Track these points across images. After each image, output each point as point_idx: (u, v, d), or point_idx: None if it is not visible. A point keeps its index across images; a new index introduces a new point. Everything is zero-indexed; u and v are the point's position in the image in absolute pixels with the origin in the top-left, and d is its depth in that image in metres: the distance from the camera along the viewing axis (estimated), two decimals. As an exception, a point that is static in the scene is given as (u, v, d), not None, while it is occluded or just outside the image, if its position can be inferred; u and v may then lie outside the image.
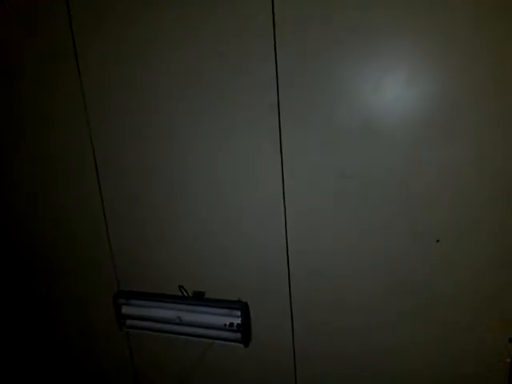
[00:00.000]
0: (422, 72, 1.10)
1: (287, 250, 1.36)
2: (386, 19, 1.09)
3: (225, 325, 1.44)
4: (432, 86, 1.10)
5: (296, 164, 1.28)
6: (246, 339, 1.46)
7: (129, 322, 1.61)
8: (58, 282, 1.77)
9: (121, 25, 1.34)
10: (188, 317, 1.49)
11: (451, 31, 1.05)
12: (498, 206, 1.13)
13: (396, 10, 1.08)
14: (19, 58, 1.51)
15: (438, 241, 1.21)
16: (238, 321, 1.43)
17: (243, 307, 1.45)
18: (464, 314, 1.24)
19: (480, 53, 1.04)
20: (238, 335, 1.45)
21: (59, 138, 1.54)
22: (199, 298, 1.52)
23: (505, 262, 1.17)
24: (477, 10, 1.02)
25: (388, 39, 1.10)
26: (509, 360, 1.23)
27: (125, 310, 1.60)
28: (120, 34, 1.35)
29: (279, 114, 1.24)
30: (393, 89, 1.13)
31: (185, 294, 1.54)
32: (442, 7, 1.04)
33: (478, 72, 1.06)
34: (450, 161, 1.14)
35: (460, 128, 1.10)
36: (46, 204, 1.67)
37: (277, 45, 1.19)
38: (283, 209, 1.33)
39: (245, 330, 1.45)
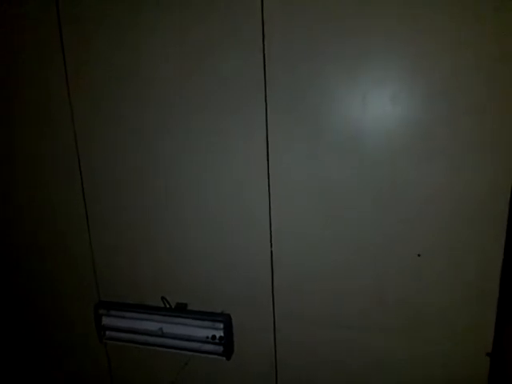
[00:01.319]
0: (407, 89, 1.13)
1: (271, 263, 1.37)
2: (374, 34, 1.12)
3: (207, 337, 1.43)
4: (417, 104, 1.13)
5: (282, 178, 1.29)
6: (228, 352, 1.45)
7: (109, 333, 1.58)
8: (38, 290, 1.73)
9: (114, 33, 1.34)
10: (170, 329, 1.47)
11: (437, 50, 1.09)
12: (475, 222, 1.17)
13: (383, 28, 1.11)
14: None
15: (418, 255, 1.23)
16: (220, 333, 1.42)
17: (226, 320, 1.43)
18: (445, 328, 1.27)
19: (462, 70, 1.08)
20: (220, 348, 1.43)
21: (45, 146, 1.52)
22: (182, 310, 1.50)
23: (483, 277, 1.20)
24: (460, 30, 1.06)
25: (375, 55, 1.13)
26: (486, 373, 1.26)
27: (105, 321, 1.56)
28: (111, 43, 1.35)
29: (267, 128, 1.26)
30: (378, 104, 1.16)
31: (167, 305, 1.52)
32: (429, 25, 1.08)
33: (461, 92, 1.09)
34: (431, 178, 1.17)
35: (442, 147, 1.14)
36: (27, 210, 1.63)
37: (266, 56, 1.21)
38: (269, 222, 1.33)
39: (227, 343, 1.43)
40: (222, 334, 1.42)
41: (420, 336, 1.29)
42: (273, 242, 1.35)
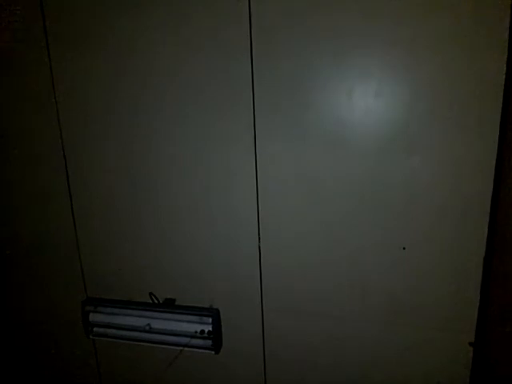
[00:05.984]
0: (390, 84, 1.14)
1: (260, 257, 1.37)
2: (358, 31, 1.13)
3: (196, 332, 1.43)
4: (399, 98, 1.14)
5: (270, 173, 1.29)
6: (216, 346, 1.45)
7: (96, 329, 1.57)
8: (24, 287, 1.70)
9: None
10: (158, 324, 1.47)
11: (422, 46, 1.10)
12: (459, 216, 1.19)
13: (366, 25, 1.12)
14: None
15: (404, 248, 1.25)
16: (209, 328, 1.42)
17: (214, 314, 1.44)
18: (429, 319, 1.29)
19: (445, 67, 1.10)
20: (209, 342, 1.44)
21: (30, 144, 1.50)
22: (170, 305, 1.50)
23: (466, 269, 1.22)
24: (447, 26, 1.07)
25: (360, 51, 1.14)
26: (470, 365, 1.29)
27: (92, 317, 1.55)
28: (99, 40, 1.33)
29: (255, 124, 1.26)
30: (364, 100, 1.17)
31: (155, 301, 1.51)
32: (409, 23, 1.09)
33: (446, 88, 1.11)
34: (416, 173, 1.18)
35: (427, 142, 1.15)
36: (12, 206, 1.60)
37: (253, 43, 1.20)
38: (257, 216, 1.34)
39: (216, 337, 1.44)
40: (211, 329, 1.42)
41: (404, 326, 1.31)
42: (261, 237, 1.35)
